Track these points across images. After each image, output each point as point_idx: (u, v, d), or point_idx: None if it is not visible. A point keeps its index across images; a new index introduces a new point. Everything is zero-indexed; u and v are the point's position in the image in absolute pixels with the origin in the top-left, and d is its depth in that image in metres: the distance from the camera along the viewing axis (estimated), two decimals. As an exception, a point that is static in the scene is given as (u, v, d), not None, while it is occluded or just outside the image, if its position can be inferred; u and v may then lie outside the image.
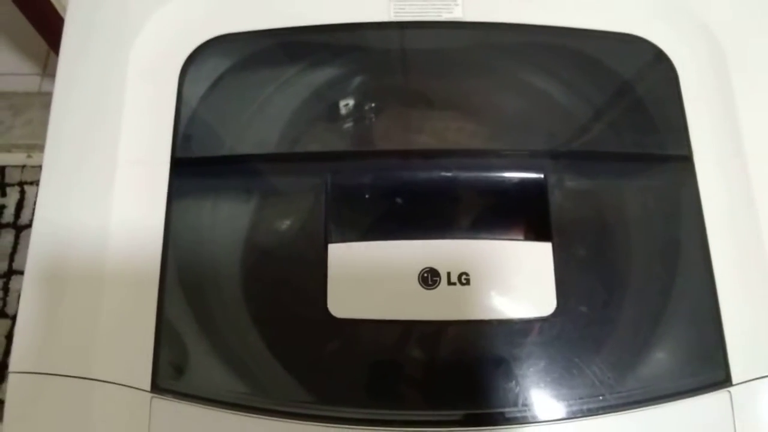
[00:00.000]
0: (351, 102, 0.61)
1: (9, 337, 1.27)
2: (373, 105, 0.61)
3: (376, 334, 0.53)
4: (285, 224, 0.57)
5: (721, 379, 0.51)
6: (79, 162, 0.57)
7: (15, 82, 1.38)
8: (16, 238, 1.33)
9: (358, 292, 0.53)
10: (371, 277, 0.53)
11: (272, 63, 0.63)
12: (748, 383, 0.51)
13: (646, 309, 0.54)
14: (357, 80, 0.63)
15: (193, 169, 0.57)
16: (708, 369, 0.52)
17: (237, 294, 0.54)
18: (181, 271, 0.54)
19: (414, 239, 0.54)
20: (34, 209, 1.34)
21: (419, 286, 0.52)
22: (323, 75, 0.62)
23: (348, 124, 0.61)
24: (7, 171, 1.36)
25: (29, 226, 1.33)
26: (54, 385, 0.51)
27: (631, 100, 0.60)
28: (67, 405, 0.51)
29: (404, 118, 0.61)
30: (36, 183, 1.36)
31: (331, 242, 0.54)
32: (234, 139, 0.59)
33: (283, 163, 0.59)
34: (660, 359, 0.53)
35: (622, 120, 0.60)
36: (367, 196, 0.57)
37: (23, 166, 1.36)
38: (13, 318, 1.29)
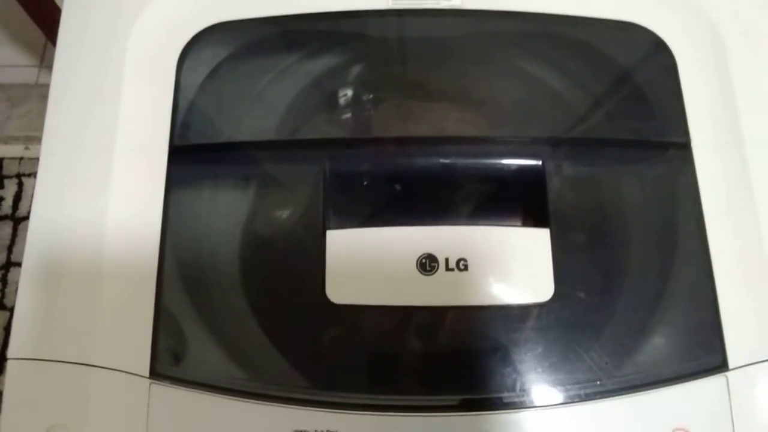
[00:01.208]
0: (350, 90, 0.61)
1: (7, 329, 1.27)
2: (371, 93, 0.61)
3: (374, 319, 0.53)
4: (283, 211, 0.57)
5: (718, 364, 0.51)
6: (78, 150, 0.57)
7: (12, 73, 1.38)
8: (14, 230, 1.33)
9: (356, 279, 0.53)
10: (370, 263, 0.53)
11: (270, 51, 0.63)
12: (744, 368, 0.51)
13: (643, 295, 0.54)
14: (356, 68, 0.63)
15: (192, 156, 0.57)
16: (705, 354, 0.52)
17: (235, 281, 0.54)
18: (180, 259, 0.54)
19: (412, 225, 0.54)
20: (32, 201, 1.35)
21: (417, 271, 0.52)
22: (322, 63, 0.62)
23: (347, 112, 0.61)
24: (5, 163, 1.36)
25: (27, 218, 1.33)
26: (53, 371, 0.51)
27: (629, 88, 0.60)
28: (66, 391, 0.51)
29: (403, 105, 0.61)
30: (34, 175, 1.35)
31: (330, 229, 0.54)
32: (232, 127, 0.59)
33: (282, 150, 0.59)
34: (657, 344, 0.53)
35: (620, 107, 0.60)
36: (365, 183, 0.58)
37: (21, 158, 1.36)
38: (12, 310, 1.28)
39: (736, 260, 0.54)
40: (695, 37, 0.60)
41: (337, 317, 0.52)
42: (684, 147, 0.57)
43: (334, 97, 0.61)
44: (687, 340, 0.53)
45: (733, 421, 0.50)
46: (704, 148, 0.57)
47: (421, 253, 0.53)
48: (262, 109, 0.60)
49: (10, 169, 1.36)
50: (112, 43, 0.59)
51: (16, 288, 1.35)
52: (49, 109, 0.58)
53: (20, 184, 1.35)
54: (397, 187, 0.57)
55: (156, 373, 0.51)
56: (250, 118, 0.60)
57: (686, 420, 0.51)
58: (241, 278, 0.54)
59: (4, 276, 1.30)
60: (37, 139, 1.32)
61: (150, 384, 0.50)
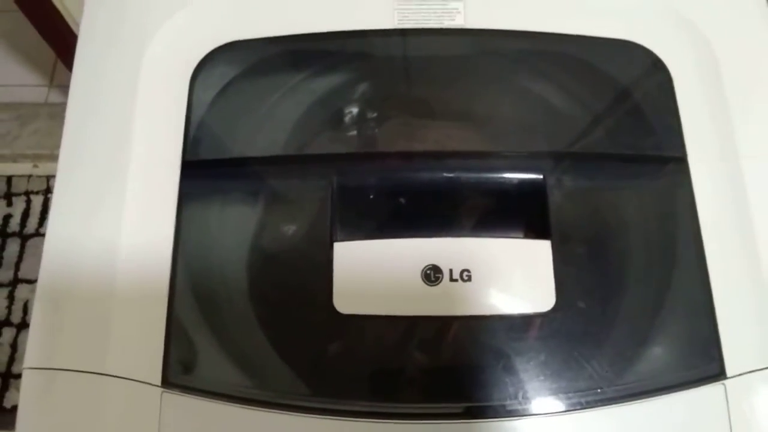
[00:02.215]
0: (356, 107, 0.62)
1: (14, 346, 1.28)
2: (377, 110, 0.63)
3: (380, 329, 0.54)
4: (292, 224, 0.58)
5: (716, 373, 0.52)
6: (94, 165, 0.58)
7: (22, 93, 1.40)
8: (22, 247, 1.35)
9: (362, 289, 0.54)
10: (375, 274, 0.54)
11: (280, 69, 0.65)
12: (742, 376, 0.52)
13: (642, 304, 0.55)
14: (362, 86, 0.65)
15: (203, 171, 0.59)
16: (703, 363, 0.53)
17: (245, 291, 0.56)
18: (191, 270, 0.56)
19: (417, 237, 0.55)
20: (39, 219, 1.37)
21: (422, 282, 0.54)
22: (329, 81, 0.64)
23: (354, 128, 0.62)
24: (14, 181, 1.38)
25: (35, 235, 1.35)
26: (67, 381, 0.52)
27: (627, 104, 0.62)
28: (79, 399, 0.52)
29: (408, 121, 0.63)
30: (42, 192, 1.37)
31: (337, 241, 0.55)
32: (243, 142, 0.61)
33: (291, 164, 0.60)
34: (656, 353, 0.54)
35: (619, 123, 0.62)
36: (371, 196, 0.59)
37: (29, 176, 1.38)
38: (18, 326, 1.29)
39: (732, 270, 0.55)
40: (690, 54, 0.62)
41: (344, 327, 0.54)
42: (681, 161, 0.58)
43: (340, 114, 0.63)
44: (685, 349, 0.55)
45: (731, 428, 0.51)
46: (701, 162, 0.58)
47: (425, 265, 0.54)
48: (271, 126, 0.61)
49: (18, 186, 1.38)
50: (128, 62, 0.61)
51: (24, 305, 1.36)
52: (66, 125, 0.59)
53: (28, 202, 1.37)
54: (402, 200, 0.59)
55: (168, 382, 0.52)
56: (260, 134, 0.61)
57: (685, 428, 0.52)
58: (250, 289, 0.56)
59: (11, 293, 1.31)
60: (46, 157, 1.34)
61: (162, 393, 0.52)
